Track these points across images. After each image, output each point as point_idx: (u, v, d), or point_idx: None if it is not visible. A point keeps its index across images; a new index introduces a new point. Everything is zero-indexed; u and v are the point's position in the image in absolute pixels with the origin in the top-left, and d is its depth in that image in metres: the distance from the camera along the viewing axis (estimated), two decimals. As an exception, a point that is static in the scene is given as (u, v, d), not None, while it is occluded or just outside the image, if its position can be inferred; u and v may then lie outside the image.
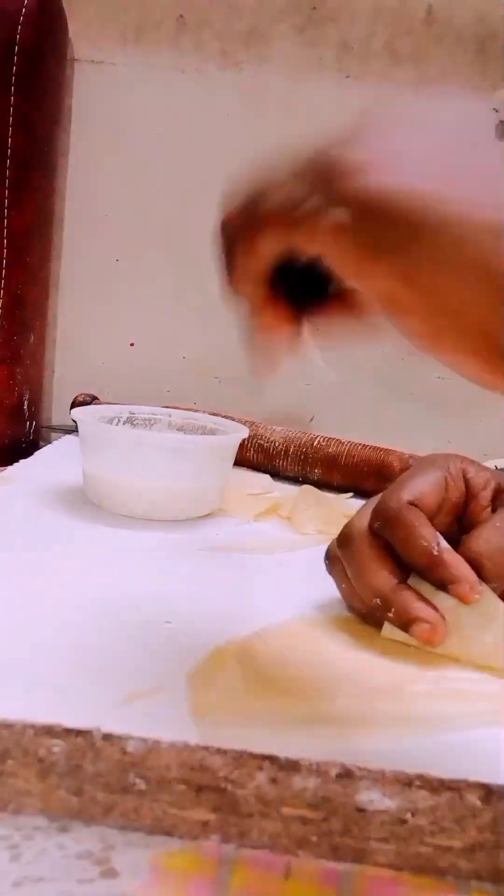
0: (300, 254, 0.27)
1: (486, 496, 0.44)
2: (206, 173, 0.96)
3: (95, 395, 0.88)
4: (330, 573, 0.43)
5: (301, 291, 0.31)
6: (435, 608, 0.38)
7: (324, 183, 0.25)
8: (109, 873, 0.26)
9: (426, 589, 0.39)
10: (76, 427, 0.62)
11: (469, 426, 0.94)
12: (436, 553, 0.38)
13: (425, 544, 0.38)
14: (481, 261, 0.23)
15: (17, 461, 0.69)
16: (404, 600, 0.38)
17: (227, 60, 0.90)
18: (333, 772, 0.27)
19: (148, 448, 0.57)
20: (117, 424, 0.64)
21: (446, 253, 0.23)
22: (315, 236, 0.26)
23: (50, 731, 0.28)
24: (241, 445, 0.65)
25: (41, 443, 0.91)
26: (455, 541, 0.43)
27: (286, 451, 0.74)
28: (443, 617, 0.38)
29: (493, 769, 0.28)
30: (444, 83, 0.89)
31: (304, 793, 0.27)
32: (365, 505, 0.43)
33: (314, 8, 0.89)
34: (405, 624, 0.38)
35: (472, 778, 0.27)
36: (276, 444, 0.74)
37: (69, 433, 0.87)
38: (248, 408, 0.84)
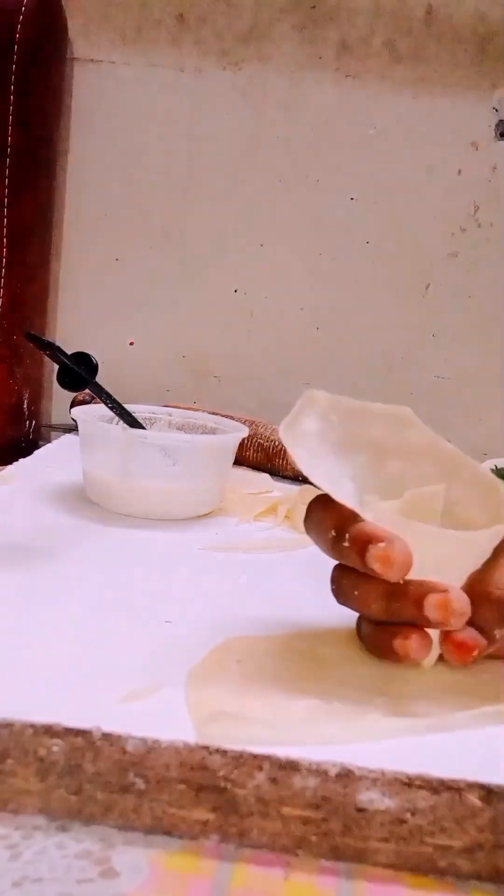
0: None
1: None
2: (206, 172, 0.96)
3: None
4: (338, 596, 0.37)
5: None
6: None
7: None
8: (109, 873, 0.26)
9: None
10: (76, 426, 0.62)
11: (469, 426, 0.94)
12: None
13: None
14: None
15: (17, 460, 0.69)
16: (361, 524, 0.34)
17: (227, 60, 0.90)
18: (333, 771, 0.27)
19: (148, 447, 0.57)
20: (117, 424, 0.64)
21: None
22: None
23: (49, 730, 0.28)
24: (241, 445, 0.65)
25: (41, 442, 0.91)
26: None
27: (286, 450, 0.74)
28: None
29: (492, 769, 0.28)
30: (444, 83, 0.89)
31: (304, 792, 0.27)
32: None
33: (314, 7, 0.89)
34: (362, 547, 0.33)
35: (472, 778, 0.27)
36: (276, 443, 0.74)
37: (69, 432, 0.87)
38: (249, 407, 0.84)
